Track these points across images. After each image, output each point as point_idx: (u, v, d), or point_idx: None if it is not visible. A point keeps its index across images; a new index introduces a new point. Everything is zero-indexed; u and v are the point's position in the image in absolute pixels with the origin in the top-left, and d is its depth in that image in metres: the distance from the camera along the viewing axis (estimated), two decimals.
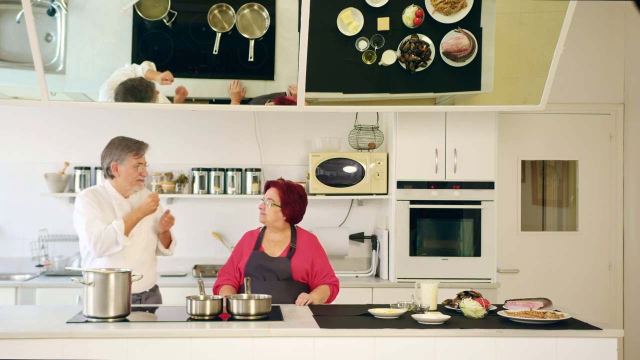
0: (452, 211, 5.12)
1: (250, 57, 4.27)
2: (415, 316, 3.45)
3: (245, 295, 3.57)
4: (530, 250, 5.61)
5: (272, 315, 3.53)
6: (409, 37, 4.19)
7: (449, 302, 3.77)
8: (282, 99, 4.33)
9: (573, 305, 5.37)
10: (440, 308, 3.76)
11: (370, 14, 4.15)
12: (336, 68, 4.25)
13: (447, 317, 3.42)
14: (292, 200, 4.06)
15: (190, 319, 3.44)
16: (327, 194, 5.24)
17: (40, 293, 4.93)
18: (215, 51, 4.24)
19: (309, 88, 4.17)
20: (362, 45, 4.19)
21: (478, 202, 5.10)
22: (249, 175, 5.42)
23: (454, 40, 4.21)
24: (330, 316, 3.58)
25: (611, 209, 5.63)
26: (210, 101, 4.43)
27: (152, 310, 3.82)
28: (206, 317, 3.45)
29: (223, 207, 5.55)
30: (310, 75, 4.13)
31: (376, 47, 4.20)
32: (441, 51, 4.22)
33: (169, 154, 5.51)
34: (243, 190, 5.44)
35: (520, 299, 3.75)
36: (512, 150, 5.61)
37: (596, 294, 5.61)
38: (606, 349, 3.32)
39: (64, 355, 3.20)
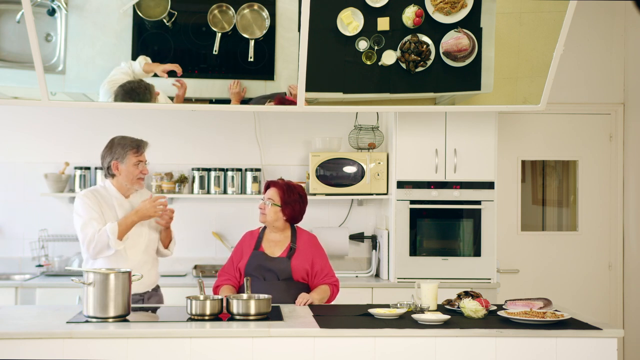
0: (452, 211, 5.12)
1: (250, 57, 4.27)
2: (415, 316, 3.45)
3: (245, 295, 3.57)
4: (530, 250, 5.61)
5: (272, 315, 3.53)
6: (409, 37, 4.19)
7: (449, 302, 3.77)
8: (282, 99, 4.33)
9: (573, 305, 5.37)
10: (440, 308, 3.76)
11: (370, 14, 4.15)
12: (336, 68, 4.25)
13: (447, 317, 3.42)
14: (292, 200, 4.06)
15: (190, 319, 3.44)
16: (327, 194, 5.24)
17: (40, 293, 4.93)
18: (215, 51, 4.24)
19: (309, 88, 4.17)
20: (362, 45, 4.19)
21: (478, 202, 5.10)
22: (249, 175, 5.42)
23: (454, 40, 4.21)
24: (330, 316, 3.58)
25: (611, 209, 5.63)
26: (210, 101, 4.43)
27: (152, 310, 3.82)
28: (206, 317, 3.45)
29: (223, 207, 5.55)
30: (310, 75, 4.13)
31: (376, 47, 4.20)
32: (441, 51, 4.22)
33: (169, 154, 5.51)
34: (243, 190, 5.44)
35: (520, 299, 3.75)
36: (512, 150, 5.61)
37: (596, 294, 5.61)
38: (606, 349, 3.32)
39: (64, 355, 3.20)
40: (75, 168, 5.36)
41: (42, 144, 5.49)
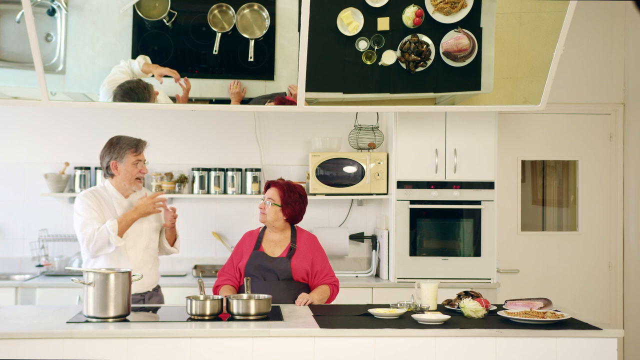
0: (452, 211, 5.12)
1: (250, 57, 4.27)
2: (415, 316, 3.45)
3: (245, 295, 3.57)
4: (530, 250, 5.61)
5: (272, 315, 3.53)
6: (409, 37, 4.19)
7: (449, 302, 3.77)
8: (282, 99, 4.33)
9: (573, 305, 5.37)
10: (440, 308, 3.76)
11: (370, 14, 4.15)
12: (336, 68, 4.25)
13: (447, 317, 3.42)
14: (293, 200, 4.06)
15: (190, 319, 3.44)
16: (327, 194, 5.24)
17: (40, 293, 4.93)
18: (215, 51, 4.24)
19: (309, 88, 4.17)
20: (362, 45, 4.19)
21: (478, 202, 5.10)
22: (249, 175, 5.42)
23: (454, 40, 4.21)
24: (330, 316, 3.58)
25: (611, 209, 5.63)
26: (210, 101, 4.43)
27: (152, 310, 3.82)
28: (206, 317, 3.45)
29: (223, 207, 5.55)
30: (310, 75, 4.13)
31: (376, 47, 4.20)
32: (441, 51, 4.22)
33: (169, 154, 5.51)
34: (243, 190, 5.44)
35: (520, 299, 3.75)
36: (512, 150, 5.61)
37: (596, 294, 5.61)
38: (606, 349, 3.32)
39: (64, 355, 3.20)
40: (75, 168, 5.36)
41: (42, 144, 5.49)
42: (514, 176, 5.63)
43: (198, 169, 5.41)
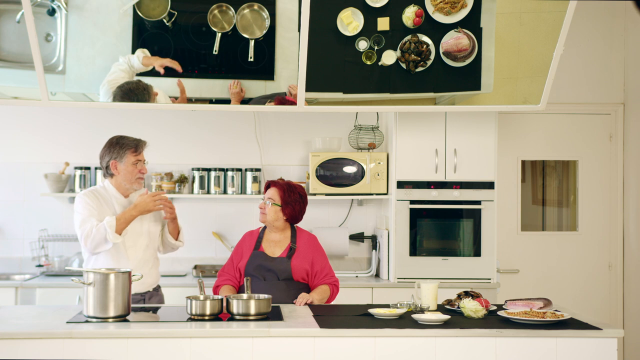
0: (452, 211, 5.12)
1: (250, 57, 4.27)
2: (415, 316, 3.45)
3: (245, 295, 3.57)
4: (530, 250, 5.61)
5: (272, 315, 3.53)
6: (409, 37, 4.19)
7: (449, 302, 3.77)
8: (282, 99, 4.33)
9: (573, 305, 5.37)
10: (440, 308, 3.76)
11: (370, 14, 4.15)
12: (336, 68, 4.25)
13: (447, 317, 3.42)
14: (293, 200, 4.06)
15: (190, 319, 3.44)
16: (327, 194, 5.24)
17: (40, 293, 4.93)
18: (215, 51, 4.24)
19: (309, 88, 4.17)
20: (362, 45, 4.19)
21: (478, 202, 5.10)
22: (249, 175, 5.42)
23: (454, 40, 4.21)
24: (330, 316, 3.58)
25: (611, 209, 5.63)
26: (210, 101, 4.43)
27: (152, 310, 3.82)
28: (206, 317, 3.45)
29: (223, 207, 5.55)
30: (310, 75, 4.13)
31: (376, 47, 4.20)
32: (441, 51, 4.22)
33: (169, 154, 5.51)
34: (243, 190, 5.44)
35: (520, 299, 3.75)
36: (512, 150, 5.61)
37: (596, 294, 5.60)
38: (606, 349, 3.32)
39: (64, 355, 3.20)
40: (75, 168, 5.36)
41: (42, 144, 5.49)
42: (514, 176, 5.63)
43: (198, 169, 5.41)
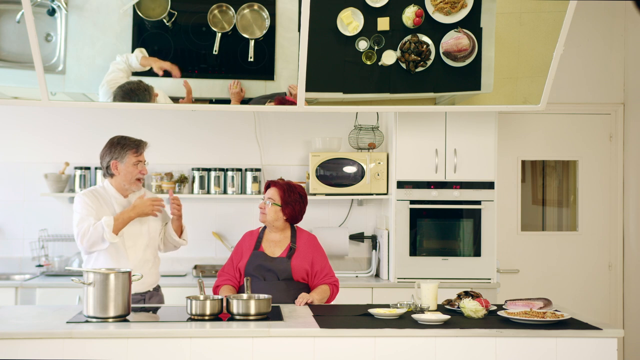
0: (452, 211, 5.12)
1: (250, 57, 4.27)
2: (415, 316, 3.45)
3: (245, 295, 3.57)
4: (530, 250, 5.61)
5: (272, 315, 3.53)
6: (409, 37, 4.19)
7: (449, 302, 3.77)
8: (282, 99, 4.33)
9: (573, 305, 5.37)
10: (440, 308, 3.76)
11: (370, 14, 4.15)
12: (336, 68, 4.25)
13: (447, 317, 3.42)
14: (293, 200, 4.06)
15: (190, 319, 3.44)
16: (327, 194, 5.24)
17: (40, 293, 4.93)
18: (215, 51, 4.24)
19: (309, 88, 4.17)
20: (362, 45, 4.19)
21: (478, 202, 5.10)
22: (249, 175, 5.42)
23: (454, 40, 4.21)
24: (330, 316, 3.58)
25: (611, 209, 5.63)
26: (210, 101, 4.43)
27: (152, 310, 3.82)
28: (206, 317, 3.45)
29: (223, 207, 5.55)
30: (310, 75, 4.13)
31: (376, 47, 4.20)
32: (441, 51, 4.22)
33: (169, 154, 5.51)
34: (243, 190, 5.44)
35: (520, 299, 3.75)
36: (512, 150, 5.61)
37: (596, 294, 5.60)
38: (606, 349, 3.32)
39: (64, 355, 3.20)
40: (75, 168, 5.36)
41: (42, 144, 5.49)
42: (514, 176, 5.63)
43: (198, 169, 5.41)
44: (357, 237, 5.45)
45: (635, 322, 5.44)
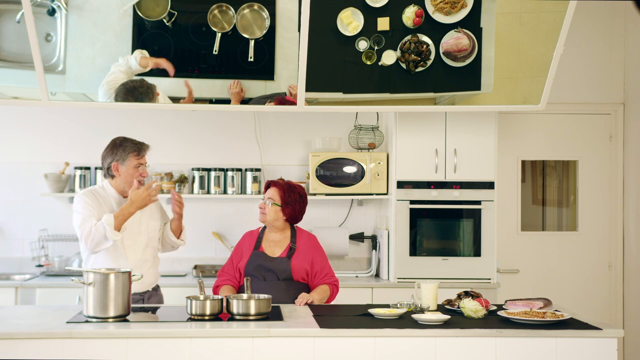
0: (452, 211, 5.12)
1: (250, 57, 4.27)
2: (415, 316, 3.45)
3: (245, 295, 3.57)
4: (530, 250, 5.61)
5: (272, 315, 3.53)
6: (409, 37, 4.19)
7: (449, 302, 3.77)
8: (282, 99, 4.33)
9: (573, 305, 5.37)
10: (440, 308, 3.76)
11: (370, 14, 4.15)
12: (336, 68, 4.25)
13: (447, 317, 3.42)
14: (293, 200, 4.06)
15: (190, 319, 3.44)
16: (327, 194, 5.24)
17: (40, 293, 4.93)
18: (215, 51, 4.24)
19: (309, 88, 4.17)
20: (362, 45, 4.19)
21: (478, 202, 5.10)
22: (249, 175, 5.42)
23: (454, 40, 4.21)
24: (330, 316, 3.58)
25: (611, 209, 5.63)
26: (210, 101, 4.43)
27: (152, 310, 3.82)
28: (206, 317, 3.45)
29: (223, 207, 5.55)
30: (310, 75, 4.13)
31: (376, 47, 4.20)
32: (441, 51, 4.22)
33: (169, 154, 5.51)
34: (243, 190, 5.44)
35: (520, 299, 3.75)
36: (512, 150, 5.61)
37: (596, 294, 5.60)
38: (606, 349, 3.32)
39: (64, 355, 3.20)
40: (75, 168, 5.36)
41: (42, 144, 5.49)
42: (514, 176, 5.63)
43: (198, 169, 5.41)
44: (357, 237, 5.45)
45: (635, 322, 5.44)
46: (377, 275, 5.39)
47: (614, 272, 5.61)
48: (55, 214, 5.43)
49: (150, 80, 4.22)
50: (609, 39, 5.60)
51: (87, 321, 3.39)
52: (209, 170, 5.41)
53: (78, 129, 5.49)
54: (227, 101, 4.37)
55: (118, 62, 4.18)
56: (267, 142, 5.58)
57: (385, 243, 5.20)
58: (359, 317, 3.55)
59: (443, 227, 5.15)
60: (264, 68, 4.32)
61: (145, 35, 4.25)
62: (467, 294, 3.76)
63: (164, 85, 4.28)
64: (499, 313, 3.56)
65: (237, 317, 3.46)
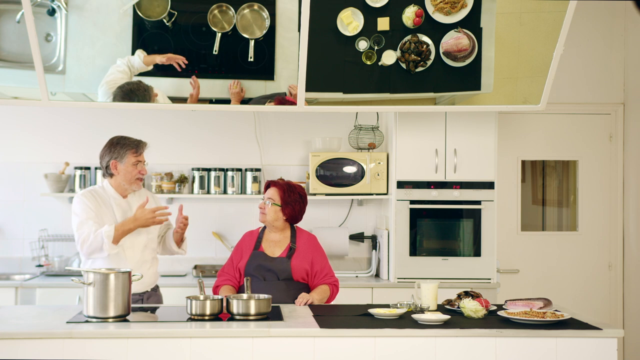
0: (452, 211, 5.12)
1: (250, 57, 4.27)
2: (415, 316, 3.45)
3: (245, 295, 3.57)
4: (530, 250, 5.61)
5: (272, 315, 3.53)
6: (409, 37, 4.19)
7: (449, 302, 3.77)
8: (282, 99, 4.33)
9: (573, 305, 5.37)
10: (440, 308, 3.76)
11: (370, 14, 4.15)
12: (336, 68, 4.25)
13: (447, 317, 3.42)
14: (292, 200, 4.06)
15: (190, 319, 3.44)
16: (327, 194, 5.24)
17: (40, 293, 4.93)
18: (215, 51, 4.24)
19: (309, 88, 4.17)
20: (362, 45, 4.19)
21: (478, 202, 5.10)
22: (249, 175, 5.42)
23: (454, 40, 4.21)
24: (330, 316, 3.58)
25: (611, 209, 5.63)
26: (210, 101, 4.43)
27: (152, 310, 3.82)
28: (206, 317, 3.45)
29: (223, 207, 5.55)
30: (310, 75, 4.13)
31: (376, 47, 4.20)
32: (441, 51, 4.22)
33: (169, 154, 5.51)
34: (243, 190, 5.44)
35: (520, 299, 3.75)
36: (512, 150, 5.61)
37: (596, 294, 5.60)
38: (606, 349, 3.32)
39: (64, 355, 3.20)
40: (75, 168, 5.36)
41: (42, 144, 5.49)
42: (514, 176, 5.63)
43: (198, 169, 5.41)
44: (357, 237, 5.45)
45: (635, 322, 5.44)
46: (377, 275, 5.39)
47: (614, 272, 5.61)
48: (55, 214, 5.43)
49: (150, 80, 4.22)
50: (609, 39, 5.60)
51: (87, 321, 3.39)
52: (209, 170, 5.41)
53: (78, 129, 5.49)
54: (227, 101, 4.37)
55: (117, 64, 4.17)
56: (267, 142, 5.58)
57: (385, 243, 5.20)
58: (359, 317, 3.55)
59: (443, 227, 5.15)
60: (264, 68, 4.32)
61: (145, 35, 4.25)
62: (467, 294, 3.76)
63: (164, 85, 4.28)
64: (499, 313, 3.56)
65: (237, 317, 3.46)
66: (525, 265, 5.60)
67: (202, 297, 3.53)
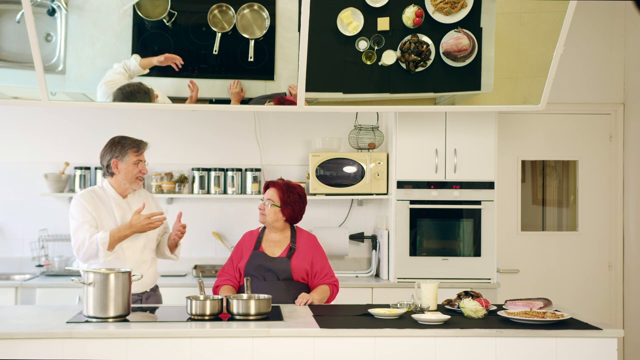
0: (452, 211, 5.12)
1: (250, 57, 4.27)
2: (415, 316, 3.45)
3: (245, 295, 3.57)
4: (530, 250, 5.61)
5: (272, 315, 3.53)
6: (409, 37, 4.19)
7: (449, 302, 3.77)
8: (282, 99, 4.33)
9: (573, 305, 5.37)
10: (440, 308, 3.76)
11: (370, 14, 4.15)
12: (336, 68, 4.25)
13: (447, 317, 3.42)
14: (292, 200, 4.06)
15: (190, 319, 3.44)
16: (327, 194, 5.24)
17: (40, 293, 4.93)
18: (215, 51, 4.24)
19: (309, 88, 4.17)
20: (362, 45, 4.19)
21: (478, 202, 5.10)
22: (249, 175, 5.42)
23: (454, 40, 4.21)
24: (330, 316, 3.58)
25: (611, 209, 5.63)
26: (210, 101, 4.43)
27: (152, 310, 3.82)
28: (206, 317, 3.45)
29: (223, 207, 5.55)
30: (310, 75, 4.13)
31: (376, 47, 4.20)
32: (441, 51, 4.22)
33: (169, 154, 5.51)
34: (243, 190, 5.44)
35: (520, 299, 3.75)
36: (512, 150, 5.61)
37: (596, 294, 5.60)
38: (606, 349, 3.32)
39: (64, 355, 3.20)
40: (75, 168, 5.36)
41: (42, 144, 5.49)
42: (514, 176, 5.63)
43: (198, 169, 5.41)
44: (357, 237, 5.45)
45: (635, 322, 5.44)
46: (377, 275, 5.39)
47: (614, 272, 5.61)
48: (55, 214, 5.43)
49: (150, 80, 4.22)
50: (609, 39, 5.60)
51: (87, 321, 3.39)
52: (209, 170, 5.41)
53: (78, 129, 5.49)
54: (227, 101, 4.37)
55: (113, 67, 4.16)
56: (267, 142, 5.58)
57: (385, 243, 5.20)
58: (359, 317, 3.55)
59: (443, 227, 5.15)
60: (264, 68, 4.32)
61: (145, 35, 4.25)
62: (467, 294, 3.76)
63: (164, 86, 4.28)
64: (499, 313, 3.56)
65: (237, 317, 3.46)
66: (525, 265, 5.60)
67: (202, 297, 3.53)
